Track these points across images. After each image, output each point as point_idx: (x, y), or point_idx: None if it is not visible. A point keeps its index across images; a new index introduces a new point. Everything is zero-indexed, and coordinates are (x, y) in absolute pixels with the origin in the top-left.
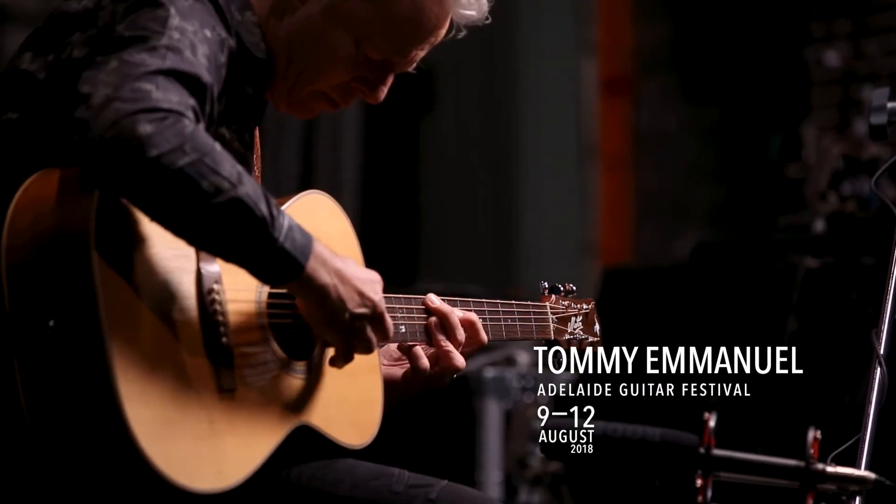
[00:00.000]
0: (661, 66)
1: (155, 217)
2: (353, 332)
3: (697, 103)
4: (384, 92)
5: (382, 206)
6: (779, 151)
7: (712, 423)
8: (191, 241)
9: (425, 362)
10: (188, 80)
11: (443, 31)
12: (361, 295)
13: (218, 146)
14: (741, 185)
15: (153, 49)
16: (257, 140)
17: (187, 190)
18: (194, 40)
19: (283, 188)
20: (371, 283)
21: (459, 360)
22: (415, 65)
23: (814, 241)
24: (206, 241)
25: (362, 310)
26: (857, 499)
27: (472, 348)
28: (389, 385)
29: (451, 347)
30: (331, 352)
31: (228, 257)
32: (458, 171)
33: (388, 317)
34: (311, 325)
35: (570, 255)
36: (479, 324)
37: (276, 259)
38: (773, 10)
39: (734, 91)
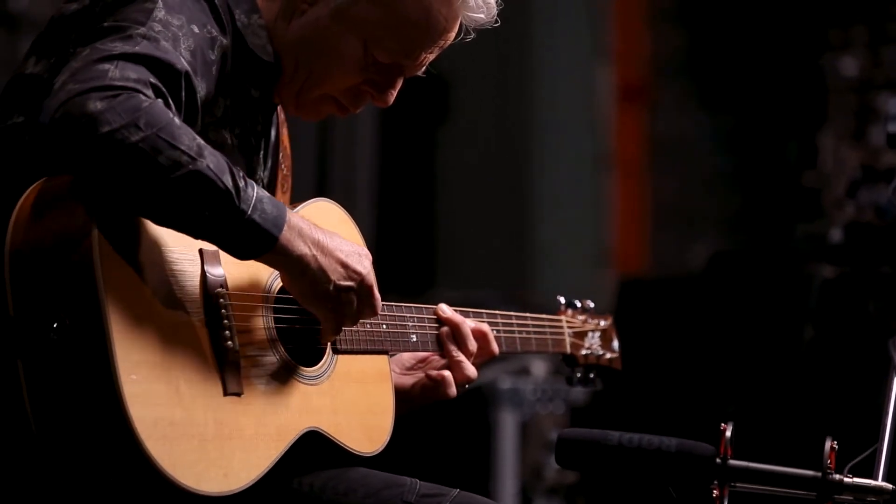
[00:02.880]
0: (677, 73)
1: (115, 198)
2: (339, 304)
3: (713, 110)
4: (393, 95)
5: (398, 213)
6: (795, 159)
7: (729, 434)
8: (155, 219)
9: (453, 390)
10: (155, 63)
11: (452, 34)
12: (346, 266)
13: (177, 119)
14: (757, 194)
15: (128, 37)
16: (285, 139)
17: (143, 165)
18: (178, 34)
19: (297, 196)
20: (357, 255)
21: (471, 371)
22: (424, 68)
23: (831, 250)
24: (170, 218)
25: (348, 282)
26: None
27: (484, 359)
28: (400, 394)
29: (462, 358)
30: (343, 360)
31: (196, 233)
32: (473, 178)
33: (376, 291)
34: (296, 297)
35: (585, 263)
36: (491, 335)
37: (246, 231)
38: (789, 17)
39: (750, 98)
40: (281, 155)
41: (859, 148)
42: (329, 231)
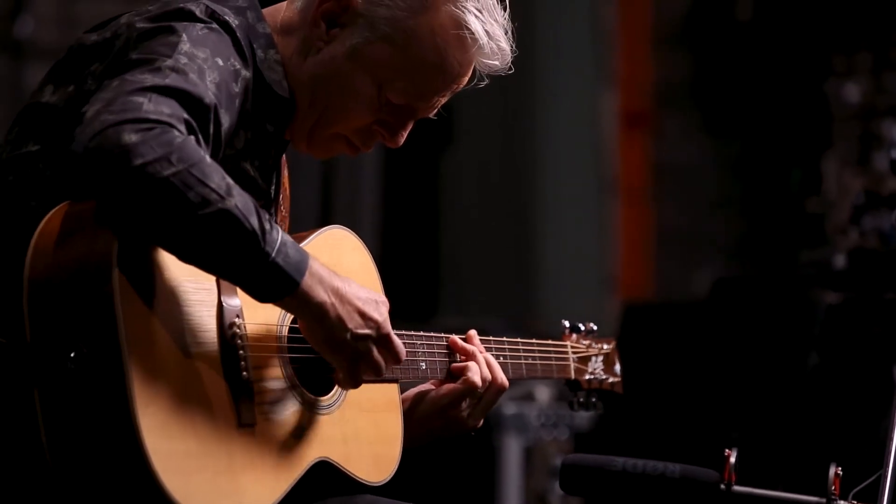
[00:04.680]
0: (681, 99)
1: (142, 230)
2: (357, 353)
3: (717, 137)
4: (404, 137)
5: (402, 239)
6: (799, 185)
7: (733, 459)
8: (180, 255)
9: (476, 379)
10: (186, 98)
11: (465, 79)
12: (363, 315)
13: (208, 158)
14: (761, 220)
15: (157, 70)
16: (286, 180)
17: (173, 200)
18: (203, 66)
19: (301, 222)
20: (374, 302)
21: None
22: (436, 111)
23: (835, 276)
24: (194, 255)
25: (364, 330)
26: None
27: (496, 394)
28: (430, 404)
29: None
30: (352, 390)
31: (219, 272)
32: (477, 205)
33: (395, 337)
34: (313, 345)
35: (590, 289)
36: (497, 366)
37: (268, 274)
38: (793, 44)
39: (754, 125)
40: (281, 196)
41: (863, 174)
42: (346, 278)
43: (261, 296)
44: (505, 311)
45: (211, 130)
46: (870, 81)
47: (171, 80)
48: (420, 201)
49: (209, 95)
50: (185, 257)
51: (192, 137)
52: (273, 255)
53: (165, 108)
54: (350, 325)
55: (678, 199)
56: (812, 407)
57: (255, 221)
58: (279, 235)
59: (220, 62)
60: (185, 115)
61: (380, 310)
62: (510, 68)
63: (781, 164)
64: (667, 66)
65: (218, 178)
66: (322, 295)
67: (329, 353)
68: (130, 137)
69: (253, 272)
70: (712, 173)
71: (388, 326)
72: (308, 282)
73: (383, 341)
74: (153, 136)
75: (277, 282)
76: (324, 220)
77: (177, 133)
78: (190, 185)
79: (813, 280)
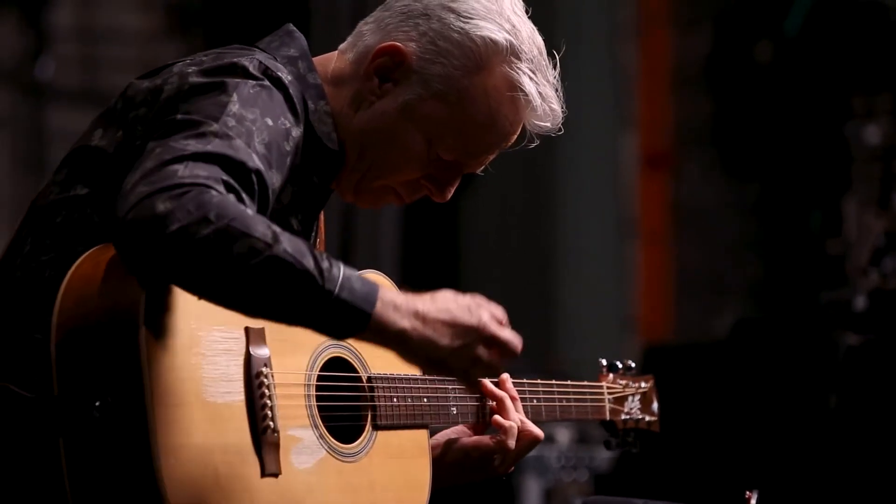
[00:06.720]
0: (701, 141)
1: (199, 292)
2: (463, 364)
3: (738, 178)
4: (451, 192)
5: (422, 278)
6: (819, 227)
7: (754, 501)
8: (243, 310)
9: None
10: (226, 162)
11: (514, 137)
12: (455, 326)
13: (249, 211)
14: (782, 261)
15: (201, 135)
16: (322, 224)
17: (218, 257)
18: (252, 128)
19: None
20: (467, 309)
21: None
22: (483, 167)
23: (855, 317)
24: (256, 308)
25: (460, 341)
26: None
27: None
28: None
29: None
30: (382, 435)
31: (288, 319)
32: (497, 245)
33: (501, 332)
34: (420, 369)
35: (609, 330)
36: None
37: (336, 312)
38: (813, 86)
39: (775, 166)
40: (318, 241)
41: (883, 215)
42: (435, 294)
43: (336, 334)
44: (524, 352)
45: (256, 190)
46: (890, 123)
47: (213, 146)
48: (440, 240)
49: (252, 160)
50: (249, 312)
51: (233, 196)
52: (336, 291)
53: (201, 172)
54: (443, 342)
55: (698, 240)
56: (833, 449)
57: (309, 262)
58: (341, 271)
59: (270, 122)
60: (224, 177)
61: (475, 313)
62: (560, 130)
63: (802, 205)
64: (687, 108)
65: (262, 227)
66: (400, 322)
67: (437, 374)
68: (165, 205)
69: (320, 313)
70: (732, 215)
71: (489, 327)
72: (380, 312)
73: (489, 341)
74: (188, 200)
75: (348, 318)
76: (344, 257)
77: (214, 192)
78: (234, 238)
79: (833, 321)
